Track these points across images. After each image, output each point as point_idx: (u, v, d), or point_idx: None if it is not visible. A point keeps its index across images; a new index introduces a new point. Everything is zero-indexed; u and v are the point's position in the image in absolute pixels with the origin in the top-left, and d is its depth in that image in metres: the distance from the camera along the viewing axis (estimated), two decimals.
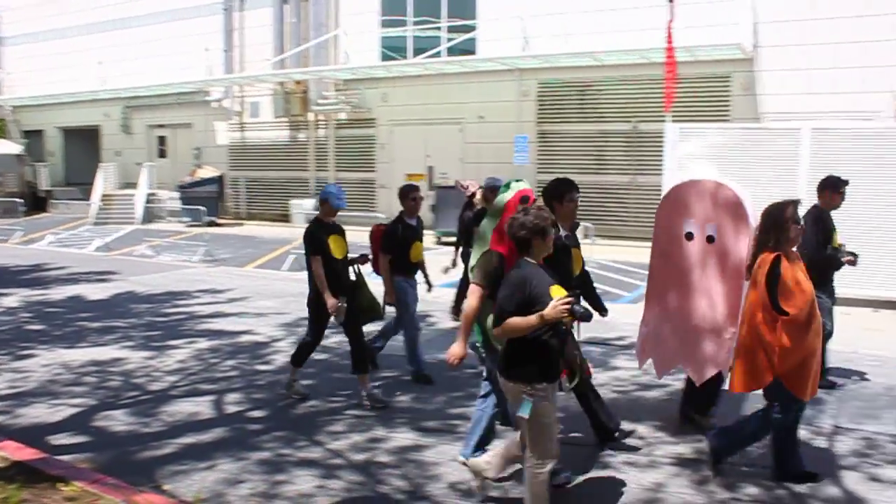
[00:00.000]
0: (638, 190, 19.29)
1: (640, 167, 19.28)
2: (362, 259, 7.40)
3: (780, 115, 17.01)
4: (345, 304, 7.01)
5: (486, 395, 5.36)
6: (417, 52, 21.91)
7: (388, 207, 22.51)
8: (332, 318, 7.05)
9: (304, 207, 22.62)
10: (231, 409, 6.99)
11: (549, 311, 4.12)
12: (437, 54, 21.11)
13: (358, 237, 16.56)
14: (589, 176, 20.07)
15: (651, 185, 18.56)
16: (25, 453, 5.66)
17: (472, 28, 21.14)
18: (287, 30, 24.43)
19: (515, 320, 4.22)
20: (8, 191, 29.40)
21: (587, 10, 19.35)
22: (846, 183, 7.37)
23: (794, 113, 16.53)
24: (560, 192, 5.50)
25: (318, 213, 7.24)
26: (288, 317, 10.91)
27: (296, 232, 17.40)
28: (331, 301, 6.87)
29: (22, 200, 26.15)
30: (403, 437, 6.19)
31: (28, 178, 31.24)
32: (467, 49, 21.18)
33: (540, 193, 5.61)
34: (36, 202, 30.10)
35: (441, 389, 7.39)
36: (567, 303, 4.11)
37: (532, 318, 4.17)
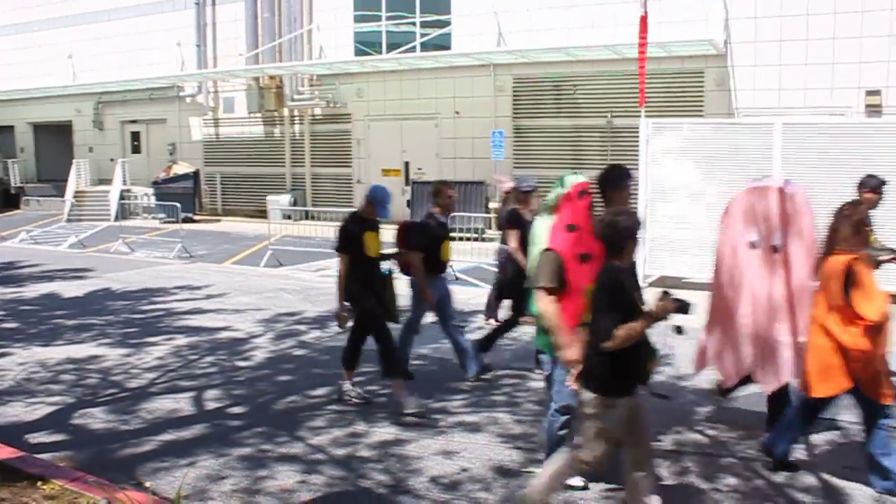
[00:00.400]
0: None
1: (615, 162, 19.36)
2: (399, 256, 7.28)
3: (752, 110, 17.22)
4: (351, 312, 6.83)
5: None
6: (391, 47, 21.88)
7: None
8: (336, 325, 6.91)
9: (281, 203, 22.52)
10: (211, 405, 6.99)
11: (656, 308, 3.97)
12: (412, 49, 21.10)
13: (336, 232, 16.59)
14: (565, 171, 20.10)
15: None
16: (3, 452, 5.62)
17: (446, 23, 21.15)
18: (261, 24, 24.28)
19: (630, 328, 4.03)
20: None
21: (561, 6, 19.43)
22: (883, 182, 7.25)
23: (767, 108, 16.75)
24: (615, 180, 5.37)
25: (361, 209, 7.03)
26: (266, 313, 10.90)
27: (272, 228, 17.37)
28: (338, 309, 6.80)
29: None
30: (384, 431, 6.23)
31: None
32: (442, 44, 21.18)
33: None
34: (7, 199, 29.70)
35: (420, 385, 7.43)
36: (675, 299, 3.97)
37: (641, 323, 4.03)
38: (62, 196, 26.95)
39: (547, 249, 4.75)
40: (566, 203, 4.80)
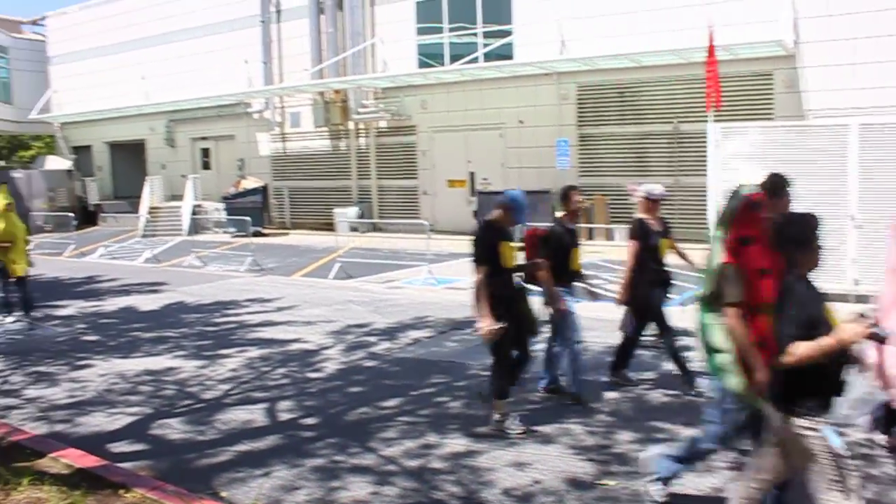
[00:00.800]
0: (681, 191, 19.12)
1: (682, 168, 19.12)
2: (534, 267, 6.79)
3: (825, 111, 16.75)
4: (503, 328, 6.19)
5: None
6: (454, 58, 21.95)
7: (431, 214, 22.61)
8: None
9: (348, 215, 22.78)
10: (284, 416, 7.08)
11: (848, 333, 3.60)
12: (475, 60, 21.14)
13: (403, 244, 16.69)
14: (631, 178, 19.96)
15: (695, 187, 18.38)
16: (88, 460, 5.80)
17: (508, 33, 21.14)
18: (325, 39, 24.64)
19: (811, 346, 3.65)
20: (59, 205, 30.07)
21: (625, 12, 19.24)
22: None
23: (840, 109, 16.27)
24: (775, 188, 5.21)
25: (494, 216, 6.50)
26: (336, 324, 11.01)
27: (340, 240, 17.55)
28: (486, 324, 6.14)
29: (73, 214, 26.75)
30: (456, 442, 6.22)
31: (78, 193, 31.99)
32: (504, 54, 21.17)
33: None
34: (86, 216, 30.73)
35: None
36: (870, 324, 3.61)
37: (828, 342, 3.63)
38: (137, 212, 27.76)
39: (727, 263, 4.43)
40: (743, 214, 4.56)
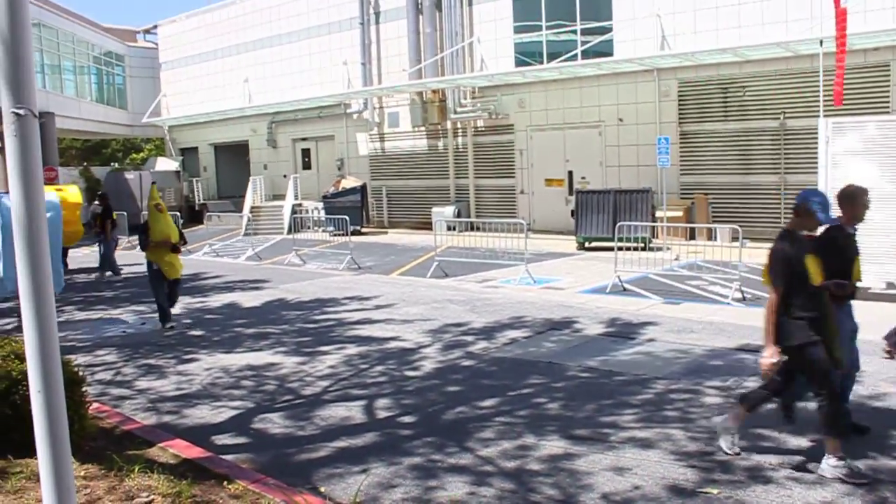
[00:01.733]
0: (788, 189, 18.45)
1: (790, 166, 18.43)
2: (841, 288, 5.72)
3: None
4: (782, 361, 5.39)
5: None
6: (552, 56, 21.77)
7: (528, 213, 22.48)
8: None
9: (445, 215, 22.89)
10: (382, 414, 7.12)
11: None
12: (573, 57, 20.90)
13: (500, 243, 16.62)
14: (735, 176, 19.38)
15: (803, 185, 17.70)
16: (193, 452, 5.97)
17: (607, 30, 20.81)
18: (423, 40, 24.84)
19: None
20: (168, 205, 31.18)
21: (729, 4, 18.68)
22: None
23: None
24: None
25: (791, 223, 5.62)
26: (434, 323, 11.04)
27: (437, 239, 17.61)
28: (768, 355, 5.37)
29: (179, 214, 27.73)
30: (554, 445, 6.12)
31: (185, 193, 33.21)
32: (603, 51, 20.87)
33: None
34: (192, 215, 31.87)
35: (592, 397, 7.26)
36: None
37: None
38: (240, 211, 28.63)
39: None
40: None
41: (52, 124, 28.72)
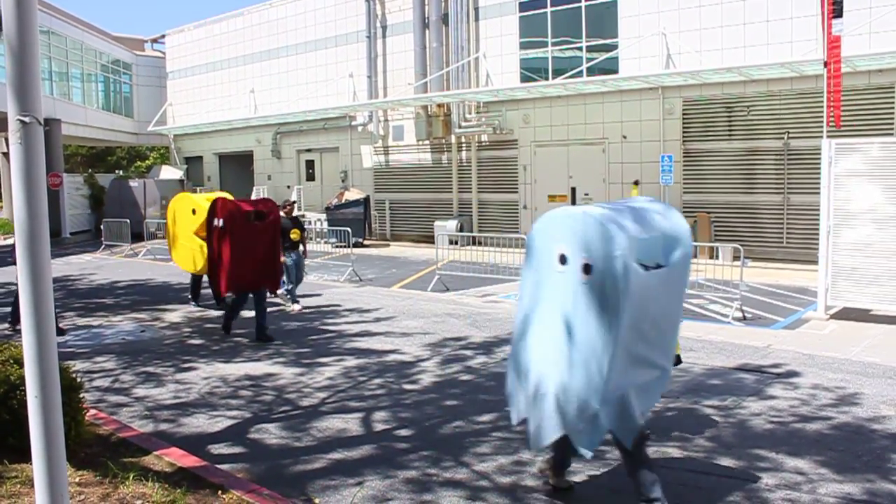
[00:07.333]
0: (792, 210, 18.47)
1: (793, 186, 18.45)
2: None
3: None
4: None
5: None
6: (557, 72, 21.85)
7: (531, 229, 22.49)
8: None
9: (448, 228, 22.90)
10: (378, 426, 7.12)
11: None
12: (578, 74, 20.97)
13: (502, 258, 16.63)
14: (738, 196, 19.41)
15: (806, 205, 17.74)
16: (189, 460, 5.97)
17: (612, 47, 20.89)
18: (429, 54, 24.93)
19: None
20: None
21: (734, 24, 18.76)
22: None
23: None
24: None
25: None
26: (433, 337, 11.04)
27: (439, 253, 17.63)
28: None
29: None
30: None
31: None
32: (608, 68, 20.94)
33: None
34: None
35: None
36: None
37: None
38: None
39: None
40: None
41: (58, 131, 28.89)
